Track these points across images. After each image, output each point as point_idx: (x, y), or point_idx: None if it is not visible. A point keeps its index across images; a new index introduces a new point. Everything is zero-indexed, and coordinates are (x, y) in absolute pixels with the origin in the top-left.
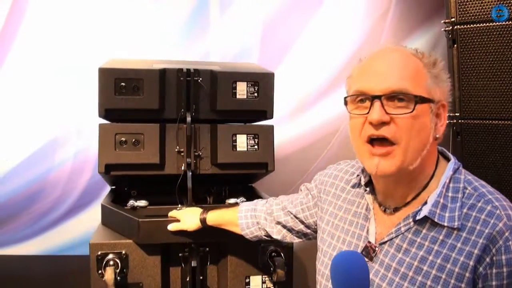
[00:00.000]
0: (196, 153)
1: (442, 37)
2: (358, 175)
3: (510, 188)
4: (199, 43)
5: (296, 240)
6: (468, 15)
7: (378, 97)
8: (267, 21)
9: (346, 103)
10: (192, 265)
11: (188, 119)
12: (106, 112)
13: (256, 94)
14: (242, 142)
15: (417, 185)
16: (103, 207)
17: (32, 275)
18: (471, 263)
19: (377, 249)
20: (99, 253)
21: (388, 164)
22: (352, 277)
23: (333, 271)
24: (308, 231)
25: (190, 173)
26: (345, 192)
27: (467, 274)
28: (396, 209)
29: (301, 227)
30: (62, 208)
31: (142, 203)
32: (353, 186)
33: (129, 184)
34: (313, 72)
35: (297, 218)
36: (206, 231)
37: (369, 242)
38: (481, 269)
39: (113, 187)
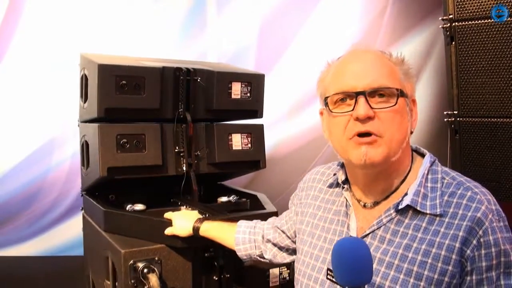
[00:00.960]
0: (196, 153)
1: (439, 35)
2: (334, 174)
3: (509, 186)
4: (196, 42)
5: (286, 259)
6: (466, 11)
7: (362, 93)
8: (264, 20)
9: (326, 103)
10: (219, 264)
11: (189, 118)
12: (106, 111)
13: (248, 94)
14: (237, 141)
15: (397, 179)
16: (107, 213)
17: (31, 275)
18: (457, 245)
19: None
20: (131, 261)
21: (376, 152)
22: (358, 258)
23: (338, 253)
24: (293, 246)
25: (194, 174)
26: (323, 192)
27: (453, 256)
28: (375, 204)
29: (287, 242)
30: (60, 208)
31: (140, 206)
32: (330, 186)
33: (108, 188)
34: (310, 71)
35: (282, 232)
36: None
37: (350, 236)
38: (468, 251)
39: (84, 192)
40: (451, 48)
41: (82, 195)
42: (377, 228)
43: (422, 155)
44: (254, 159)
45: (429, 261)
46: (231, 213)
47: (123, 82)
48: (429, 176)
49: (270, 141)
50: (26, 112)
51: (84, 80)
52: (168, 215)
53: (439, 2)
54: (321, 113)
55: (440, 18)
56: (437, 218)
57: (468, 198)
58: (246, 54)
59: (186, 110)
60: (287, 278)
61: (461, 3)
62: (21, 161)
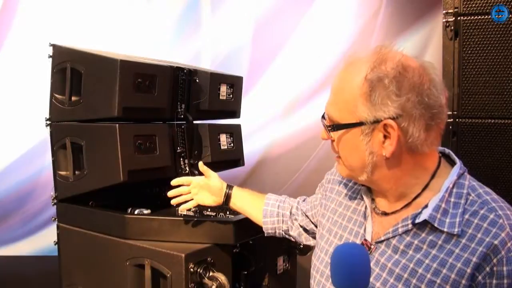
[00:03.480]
0: (194, 153)
1: (434, 35)
2: None
3: (508, 189)
4: (190, 42)
5: (310, 241)
6: (474, 5)
7: (323, 116)
8: (258, 20)
9: None
10: (246, 258)
11: (190, 118)
12: (124, 111)
13: (231, 96)
14: (223, 140)
15: (406, 195)
16: (129, 219)
17: (24, 275)
18: (469, 270)
19: (372, 247)
20: (192, 264)
21: (340, 169)
22: (355, 265)
23: (336, 261)
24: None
25: (197, 174)
26: (347, 188)
27: (463, 281)
28: (393, 212)
29: (311, 226)
30: (54, 208)
31: (145, 210)
32: (354, 183)
33: (87, 195)
34: (304, 71)
35: (307, 216)
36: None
37: (365, 239)
38: (480, 278)
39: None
40: (455, 44)
41: (54, 204)
42: (392, 237)
43: (453, 162)
44: (236, 158)
45: (438, 281)
46: None
47: (139, 80)
48: (454, 190)
49: (264, 141)
50: (19, 111)
51: (73, 75)
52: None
53: (432, 3)
54: None
55: (443, 12)
56: (454, 238)
57: (490, 222)
58: (240, 54)
59: (187, 110)
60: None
61: None
62: (14, 161)
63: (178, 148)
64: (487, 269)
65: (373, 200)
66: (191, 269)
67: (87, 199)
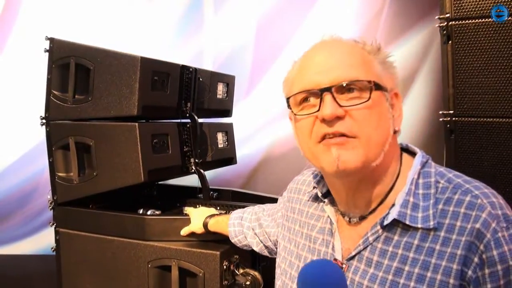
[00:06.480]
0: (198, 152)
1: (436, 36)
2: (314, 187)
3: (505, 188)
4: (192, 41)
5: (273, 256)
6: (463, 10)
7: (328, 89)
8: (261, 20)
9: (289, 106)
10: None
11: (196, 117)
12: (143, 109)
13: (226, 95)
14: (220, 139)
15: (382, 187)
16: (150, 220)
17: (26, 274)
18: (455, 266)
19: (344, 266)
20: (225, 261)
21: (350, 155)
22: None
23: (305, 282)
24: (275, 250)
25: (203, 173)
26: (307, 206)
27: (451, 281)
28: (362, 218)
29: (269, 243)
30: None
31: (155, 211)
32: (314, 199)
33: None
34: None
35: (266, 233)
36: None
37: (335, 259)
38: (470, 272)
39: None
40: (448, 47)
41: (52, 208)
42: (364, 249)
43: (414, 155)
44: (230, 156)
45: None
46: None
47: (155, 78)
48: (420, 181)
49: (266, 141)
50: (21, 111)
51: (77, 71)
52: (188, 210)
53: (435, 3)
54: (290, 118)
55: (436, 17)
56: (431, 233)
57: (467, 205)
58: (243, 53)
59: (192, 109)
60: None
61: (458, 2)
62: (16, 160)
63: (185, 147)
64: (475, 259)
65: (338, 212)
66: (224, 266)
67: (85, 202)
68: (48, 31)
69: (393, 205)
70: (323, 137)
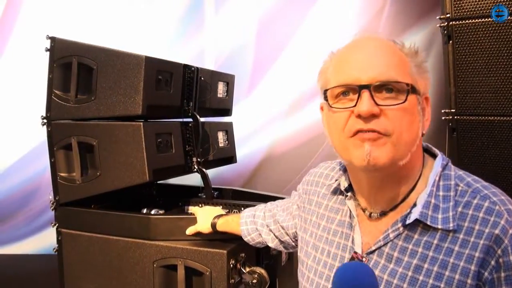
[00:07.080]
0: (200, 152)
1: (438, 34)
2: (337, 180)
3: (507, 185)
4: (194, 41)
5: (288, 250)
6: (463, 10)
7: (367, 87)
8: (262, 19)
9: (326, 97)
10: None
11: (198, 116)
12: (148, 109)
13: (226, 94)
14: (220, 138)
15: (406, 186)
16: (156, 219)
17: (29, 273)
18: (473, 267)
19: (364, 259)
20: (232, 260)
21: (381, 152)
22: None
23: (339, 283)
24: (292, 243)
25: (206, 172)
26: (327, 199)
27: (469, 281)
28: (382, 214)
29: (286, 238)
30: None
31: (159, 211)
32: (333, 192)
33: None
34: (307, 70)
35: (282, 228)
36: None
37: (355, 252)
38: (486, 274)
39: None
40: (449, 47)
41: (54, 208)
42: (384, 245)
43: (434, 156)
44: (230, 155)
45: (442, 286)
46: None
47: (159, 77)
48: (441, 183)
49: (268, 140)
50: (23, 111)
51: (79, 70)
52: (192, 209)
53: (436, 2)
54: (321, 108)
55: (437, 17)
56: (450, 234)
57: (486, 211)
58: (244, 53)
59: (194, 108)
60: None
61: (458, 2)
62: (19, 159)
63: (187, 146)
64: (492, 262)
65: (359, 207)
66: (231, 265)
67: (87, 202)
68: (49, 30)
69: (415, 204)
70: (356, 132)
